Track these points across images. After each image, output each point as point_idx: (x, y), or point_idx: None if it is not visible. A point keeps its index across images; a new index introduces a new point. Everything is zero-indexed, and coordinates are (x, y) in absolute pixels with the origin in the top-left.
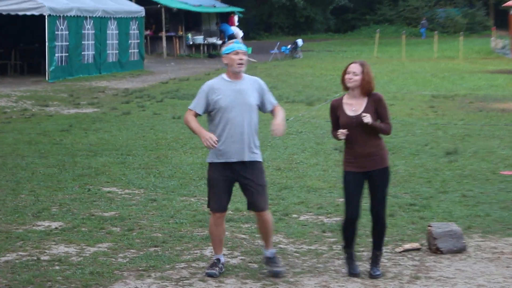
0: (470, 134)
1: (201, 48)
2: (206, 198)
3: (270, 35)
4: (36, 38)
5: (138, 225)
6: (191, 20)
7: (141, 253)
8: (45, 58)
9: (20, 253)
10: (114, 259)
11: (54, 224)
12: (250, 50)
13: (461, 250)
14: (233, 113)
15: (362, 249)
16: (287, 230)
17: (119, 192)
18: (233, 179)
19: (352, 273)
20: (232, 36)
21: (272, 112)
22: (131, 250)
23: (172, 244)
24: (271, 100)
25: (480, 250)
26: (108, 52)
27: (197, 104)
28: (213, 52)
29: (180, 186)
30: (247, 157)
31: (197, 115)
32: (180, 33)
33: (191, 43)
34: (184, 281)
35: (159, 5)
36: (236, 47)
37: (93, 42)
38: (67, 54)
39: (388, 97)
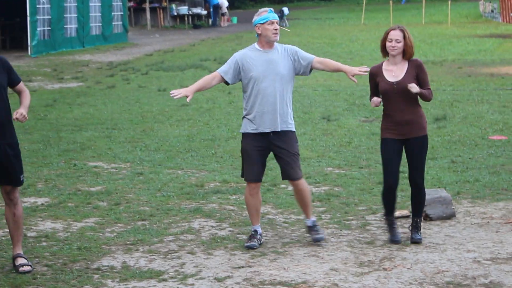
0: (459, 100)
1: (186, 18)
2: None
3: (255, 4)
4: (17, 12)
5: (125, 199)
6: None
7: (128, 227)
8: (27, 33)
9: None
10: (101, 234)
11: (40, 200)
12: (236, 20)
13: (450, 216)
14: (264, 83)
15: (351, 218)
16: (275, 200)
17: (105, 167)
18: (267, 149)
19: (393, 240)
20: (217, 6)
21: (313, 66)
22: (119, 225)
23: (160, 217)
24: (306, 56)
25: (470, 215)
26: (91, 25)
27: (226, 71)
28: (197, 22)
29: (166, 159)
30: (279, 127)
31: (222, 80)
32: (164, 4)
33: (175, 14)
34: (173, 254)
35: None
36: (271, 16)
37: (75, 15)
38: (49, 28)
39: (376, 63)
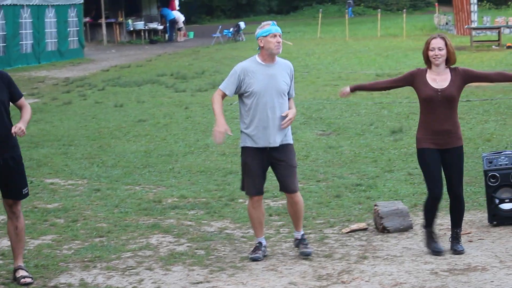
0: (415, 112)
1: (142, 34)
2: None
3: (212, 18)
4: None
5: (82, 216)
6: (131, 5)
7: (86, 244)
8: None
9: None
10: (59, 251)
11: None
12: (192, 35)
13: (407, 228)
14: (265, 98)
15: (309, 231)
16: (233, 215)
17: (62, 183)
18: (267, 162)
19: (436, 251)
20: (173, 21)
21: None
22: (76, 241)
23: (117, 233)
24: (292, 90)
25: None
26: (46, 41)
27: (227, 85)
28: (154, 37)
29: (124, 175)
30: (279, 142)
31: (225, 96)
32: (120, 19)
33: (131, 29)
34: (131, 270)
35: None
36: (274, 29)
37: (31, 31)
38: (4, 44)
39: (332, 77)
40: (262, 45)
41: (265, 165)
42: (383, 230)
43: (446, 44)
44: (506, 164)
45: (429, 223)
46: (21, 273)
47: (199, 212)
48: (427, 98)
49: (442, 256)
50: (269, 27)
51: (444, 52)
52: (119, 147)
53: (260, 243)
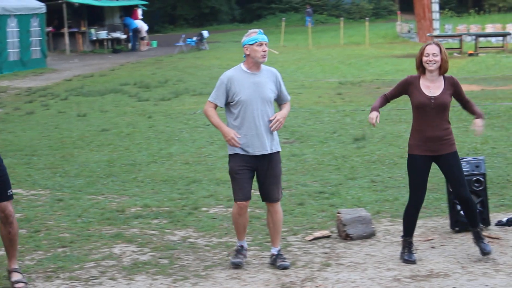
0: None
1: (105, 43)
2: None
3: (175, 27)
4: None
5: (45, 226)
6: (94, 14)
7: (48, 254)
8: None
9: None
10: (21, 262)
11: None
12: (155, 44)
13: (370, 235)
14: (252, 106)
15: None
16: (197, 224)
17: (25, 194)
18: (254, 168)
19: (408, 260)
20: (136, 30)
21: (280, 107)
22: (39, 252)
23: (80, 243)
24: (285, 94)
25: (389, 234)
26: (9, 50)
27: (217, 96)
28: (117, 47)
29: (87, 184)
30: (269, 149)
31: (217, 107)
32: (83, 28)
33: (94, 38)
34: (94, 280)
35: (60, 1)
36: (260, 38)
37: None
38: None
39: (295, 85)
40: (248, 53)
41: (253, 172)
42: (346, 237)
43: (440, 52)
44: (468, 171)
45: (407, 232)
46: (16, 277)
47: (162, 221)
48: (420, 105)
49: (405, 263)
50: (255, 35)
51: (438, 58)
52: (82, 157)
53: (241, 246)
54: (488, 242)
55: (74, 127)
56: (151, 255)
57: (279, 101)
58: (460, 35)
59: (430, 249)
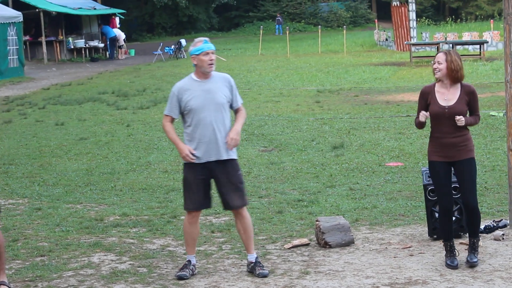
0: (355, 128)
1: (83, 52)
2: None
3: (153, 36)
4: None
5: (23, 235)
6: (71, 23)
7: (27, 263)
8: None
9: None
10: None
11: None
12: (133, 52)
13: (349, 243)
14: (204, 113)
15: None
16: (176, 232)
17: (2, 203)
18: (208, 177)
19: (450, 265)
20: (114, 39)
21: (235, 111)
22: (17, 261)
23: (59, 252)
24: (237, 98)
25: (368, 242)
26: None
27: (171, 109)
28: (95, 55)
29: (65, 193)
30: (224, 156)
31: (173, 119)
32: (61, 37)
33: (72, 47)
34: None
35: (37, 9)
36: (206, 47)
37: None
38: None
39: (274, 93)
40: (195, 63)
41: (207, 181)
42: (325, 245)
43: (446, 60)
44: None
45: (446, 236)
46: None
47: (141, 229)
48: (435, 114)
49: (383, 270)
50: (201, 44)
51: (443, 66)
52: (60, 166)
53: (189, 261)
54: (466, 249)
55: (52, 136)
56: (130, 264)
57: (233, 106)
58: (437, 43)
59: (409, 256)
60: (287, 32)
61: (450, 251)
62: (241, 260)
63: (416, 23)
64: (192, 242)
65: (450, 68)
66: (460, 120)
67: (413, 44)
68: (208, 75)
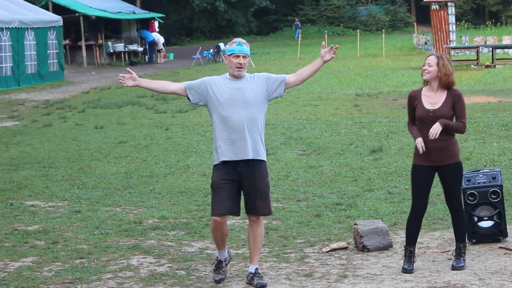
0: (394, 131)
1: (122, 55)
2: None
3: (192, 40)
4: None
5: (62, 238)
6: (111, 27)
7: (66, 265)
8: None
9: None
10: (39, 273)
11: None
12: (172, 56)
13: (387, 246)
14: (231, 110)
15: (289, 251)
16: None
17: (43, 205)
18: (236, 181)
19: (406, 269)
20: (153, 43)
21: (288, 83)
22: (56, 263)
23: (98, 255)
24: (277, 76)
25: None
26: (26, 63)
27: (191, 85)
28: (134, 59)
29: (104, 196)
30: (251, 155)
31: (183, 87)
32: (100, 41)
33: (111, 51)
34: None
35: (77, 14)
36: (237, 49)
37: (10, 53)
38: None
39: (312, 97)
40: (226, 62)
41: (234, 185)
42: (363, 248)
43: (438, 64)
44: (484, 182)
45: (408, 241)
46: None
47: (179, 232)
48: (420, 117)
49: (422, 274)
50: (234, 46)
51: (433, 69)
52: (100, 169)
53: (220, 261)
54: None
55: (91, 139)
56: (168, 267)
57: (281, 86)
58: (477, 47)
59: (447, 260)
60: (326, 36)
61: (409, 257)
62: (279, 264)
63: (456, 27)
64: (222, 243)
65: (442, 72)
66: (435, 132)
67: (453, 48)
68: (240, 76)
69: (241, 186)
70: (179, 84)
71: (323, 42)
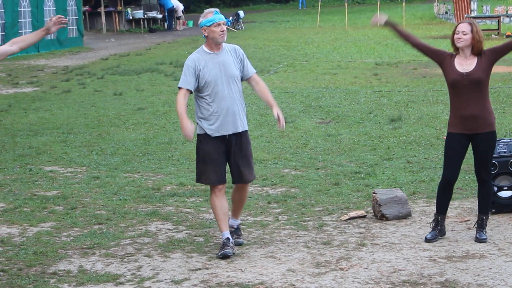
0: (414, 101)
1: (141, 22)
2: (150, 174)
3: (211, 7)
4: None
5: (81, 203)
6: None
7: (85, 231)
8: None
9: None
10: (57, 238)
11: None
12: (191, 23)
13: (406, 215)
14: (219, 86)
15: (308, 218)
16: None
17: (61, 171)
18: (226, 150)
19: (428, 238)
20: (172, 10)
21: (249, 80)
22: (75, 229)
23: (116, 221)
24: (249, 67)
25: (425, 215)
26: None
27: (186, 81)
28: (153, 26)
29: (123, 162)
30: (240, 128)
31: (188, 93)
32: (119, 8)
33: (130, 18)
34: (130, 257)
35: None
36: (217, 18)
37: (30, 19)
38: (3, 33)
39: (331, 66)
40: (206, 34)
41: (225, 154)
42: (382, 217)
43: (472, 30)
44: (505, 152)
45: (438, 209)
46: None
47: (198, 199)
48: (453, 82)
49: (440, 244)
50: (212, 16)
51: (468, 37)
52: (118, 135)
53: (227, 238)
54: (485, 231)
55: (110, 106)
56: (186, 233)
57: (245, 76)
58: (498, 16)
59: (466, 230)
60: (346, 4)
61: (436, 225)
62: (298, 231)
63: None
64: (224, 217)
65: (475, 39)
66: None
67: (474, 17)
68: (220, 46)
69: (228, 155)
70: (183, 93)
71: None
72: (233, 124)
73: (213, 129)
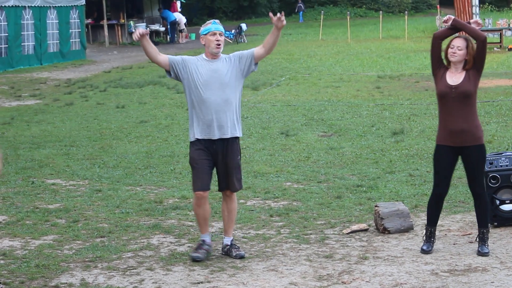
0: (416, 114)
1: None
2: (152, 187)
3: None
4: None
5: (83, 216)
6: (133, 7)
7: (87, 244)
8: None
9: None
10: (59, 251)
11: None
12: (194, 36)
13: (408, 229)
14: (208, 92)
15: (310, 232)
16: None
17: (64, 184)
18: (211, 159)
19: (424, 250)
20: (174, 23)
21: (258, 55)
22: (77, 242)
23: (119, 234)
24: (247, 52)
25: None
26: (48, 42)
27: (174, 58)
28: (156, 39)
29: (125, 175)
30: (229, 134)
31: (166, 58)
32: (122, 20)
33: (133, 30)
34: (131, 271)
35: None
36: (213, 28)
37: (33, 32)
38: (6, 46)
39: (334, 79)
40: (203, 43)
41: (212, 161)
42: (384, 230)
43: (467, 46)
44: (507, 165)
45: (429, 221)
46: None
47: None
48: (441, 94)
49: (442, 257)
50: (210, 25)
51: (462, 53)
52: (121, 148)
53: (203, 240)
54: (486, 244)
55: (112, 119)
56: (188, 246)
57: (252, 60)
58: (500, 30)
59: (468, 243)
60: (348, 18)
61: (429, 237)
62: (300, 245)
63: (479, 9)
64: (204, 222)
65: (471, 55)
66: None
67: None
68: (217, 56)
69: (215, 162)
70: (163, 56)
71: (271, 14)
72: (220, 129)
73: (199, 131)
